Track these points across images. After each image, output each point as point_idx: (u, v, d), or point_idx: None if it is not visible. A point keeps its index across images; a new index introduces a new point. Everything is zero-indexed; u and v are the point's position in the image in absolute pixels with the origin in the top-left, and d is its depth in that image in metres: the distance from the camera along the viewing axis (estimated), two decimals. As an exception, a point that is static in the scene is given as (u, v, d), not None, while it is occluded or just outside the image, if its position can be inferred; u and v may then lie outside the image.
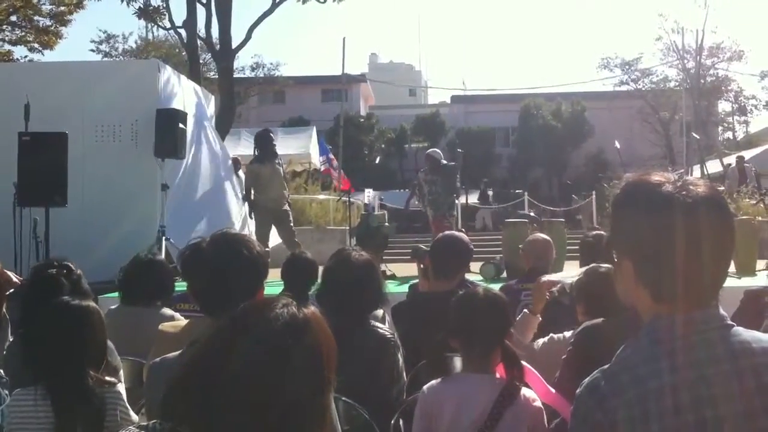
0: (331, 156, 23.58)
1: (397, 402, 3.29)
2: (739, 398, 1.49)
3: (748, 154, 21.88)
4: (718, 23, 64.29)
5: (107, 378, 2.90)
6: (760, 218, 12.13)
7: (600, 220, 19.56)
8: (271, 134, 11.03)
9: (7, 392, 3.01)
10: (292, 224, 10.95)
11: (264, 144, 10.77)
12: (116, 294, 4.71)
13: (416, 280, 5.73)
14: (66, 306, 2.96)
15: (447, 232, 4.93)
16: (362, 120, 42.87)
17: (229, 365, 1.46)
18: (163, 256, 8.56)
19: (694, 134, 19.07)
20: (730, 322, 1.59)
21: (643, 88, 42.94)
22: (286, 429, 1.45)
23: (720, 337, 1.55)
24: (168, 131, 10.16)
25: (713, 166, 20.86)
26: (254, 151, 10.93)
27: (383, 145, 42.72)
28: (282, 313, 1.52)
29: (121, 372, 3.25)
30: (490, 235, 18.51)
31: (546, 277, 3.88)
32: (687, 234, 1.54)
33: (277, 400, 1.44)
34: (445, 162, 11.98)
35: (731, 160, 23.89)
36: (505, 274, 9.85)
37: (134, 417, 2.91)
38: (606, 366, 1.60)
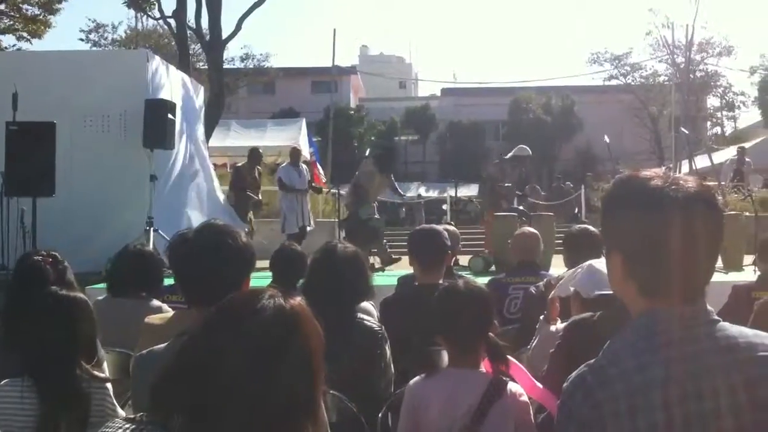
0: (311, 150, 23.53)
1: (385, 395, 3.29)
2: (725, 393, 1.49)
3: (734, 151, 21.87)
4: (708, 18, 64.57)
5: (97, 373, 2.87)
6: (747, 213, 12.17)
7: (587, 215, 19.60)
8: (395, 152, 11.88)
9: None
10: None
11: (388, 158, 11.60)
12: (103, 285, 4.69)
13: (404, 273, 5.73)
14: (55, 297, 2.93)
15: (424, 225, 4.93)
16: (352, 112, 42.85)
17: (216, 357, 1.46)
18: (151, 247, 8.55)
19: (683, 129, 19.11)
20: (716, 317, 1.59)
21: (633, 83, 43.09)
22: (274, 419, 1.45)
23: (707, 332, 1.56)
24: (157, 122, 10.12)
25: (701, 162, 20.93)
26: (378, 157, 11.58)
27: (373, 138, 42.71)
28: (268, 305, 1.51)
29: (105, 364, 3.23)
30: (480, 228, 18.51)
31: (555, 292, 3.75)
32: (676, 229, 1.54)
33: (264, 390, 1.44)
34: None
35: (720, 155, 23.95)
36: (493, 267, 9.87)
37: (121, 412, 2.89)
38: (593, 360, 1.60)
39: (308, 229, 12.76)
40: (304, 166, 13.32)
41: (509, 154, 13.47)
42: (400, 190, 12.48)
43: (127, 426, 1.52)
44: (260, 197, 13.28)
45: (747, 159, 19.03)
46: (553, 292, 3.68)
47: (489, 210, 12.28)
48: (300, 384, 1.49)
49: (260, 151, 13.52)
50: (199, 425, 1.45)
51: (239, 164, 13.64)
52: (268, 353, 1.47)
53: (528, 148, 13.52)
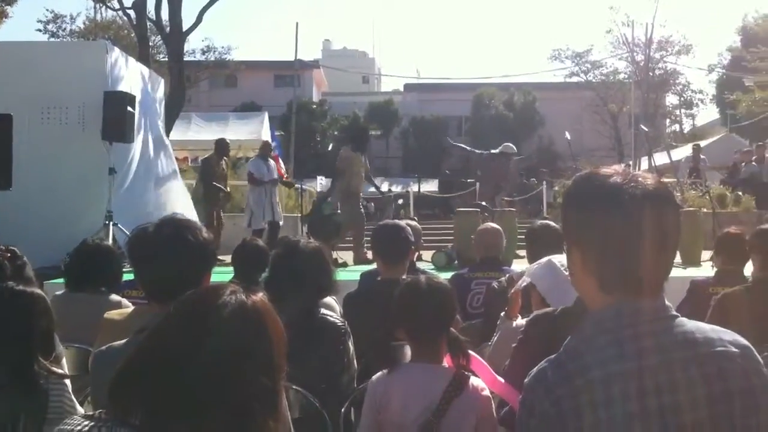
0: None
1: (348, 390, 3.29)
2: (683, 388, 1.52)
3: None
4: (667, 17, 65.44)
5: (55, 369, 2.83)
6: (705, 210, 12.37)
7: (549, 210, 19.75)
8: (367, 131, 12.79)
9: None
10: None
11: (364, 137, 12.17)
12: (62, 280, 4.62)
13: (368, 268, 5.73)
14: (11, 292, 2.88)
15: (387, 220, 4.94)
16: (315, 106, 42.67)
17: (177, 356, 1.44)
18: (110, 241, 8.44)
19: (643, 126, 19.33)
20: (674, 312, 1.61)
21: (593, 80, 43.47)
22: (237, 416, 1.44)
23: (664, 327, 1.57)
24: (116, 114, 9.97)
25: (661, 158, 21.24)
26: (353, 138, 11.99)
27: (336, 132, 42.60)
28: (230, 300, 1.51)
29: (64, 360, 3.19)
30: (443, 223, 18.57)
31: (517, 286, 3.75)
32: (634, 225, 1.56)
33: (225, 387, 1.43)
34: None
35: (679, 152, 24.29)
36: (456, 263, 9.91)
37: (80, 409, 2.85)
38: (554, 355, 1.61)
39: (280, 223, 12.68)
40: (272, 161, 13.21)
41: (497, 149, 13.90)
42: (372, 179, 12.44)
43: (86, 423, 1.50)
44: (228, 190, 13.10)
45: (702, 156, 19.33)
46: (513, 288, 3.71)
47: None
48: (262, 380, 1.48)
49: (227, 141, 13.32)
50: (160, 422, 1.43)
51: (206, 156, 13.39)
52: (229, 350, 1.46)
53: (513, 146, 14.21)
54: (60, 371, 2.86)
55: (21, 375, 2.70)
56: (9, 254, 3.61)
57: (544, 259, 3.35)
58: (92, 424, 1.49)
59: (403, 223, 4.66)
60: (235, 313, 1.49)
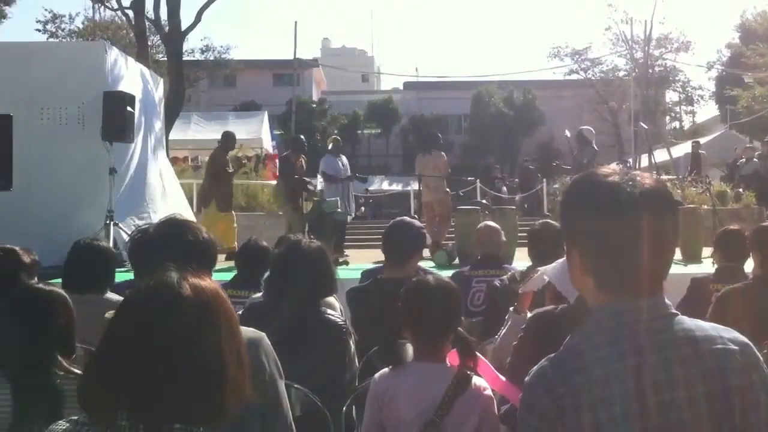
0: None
1: (350, 388, 3.29)
2: (682, 385, 1.52)
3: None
4: (665, 14, 65.47)
5: (74, 369, 2.81)
6: (705, 207, 12.38)
7: (551, 207, 19.75)
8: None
9: None
10: None
11: (434, 137, 12.86)
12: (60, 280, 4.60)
13: (369, 266, 5.73)
14: (33, 291, 2.87)
15: (400, 218, 4.85)
16: (314, 105, 42.65)
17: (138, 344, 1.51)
18: (111, 241, 8.44)
19: (642, 123, 19.34)
20: (673, 310, 1.61)
21: (593, 78, 43.44)
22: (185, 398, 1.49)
23: (664, 325, 1.58)
24: (115, 114, 9.97)
25: (661, 155, 21.24)
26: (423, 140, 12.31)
27: (336, 131, 42.57)
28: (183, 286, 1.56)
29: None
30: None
31: (528, 285, 3.70)
32: (631, 224, 1.56)
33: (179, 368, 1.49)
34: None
35: (679, 149, 24.27)
36: (457, 261, 9.93)
37: None
38: (554, 354, 1.62)
39: (348, 218, 12.67)
40: (343, 157, 13.24)
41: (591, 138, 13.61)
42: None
43: (67, 426, 1.53)
44: (312, 185, 13.14)
45: (701, 152, 19.33)
46: (526, 285, 3.64)
47: None
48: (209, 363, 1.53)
49: (303, 138, 13.33)
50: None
51: (284, 154, 13.32)
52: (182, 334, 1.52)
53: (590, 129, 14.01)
54: (78, 371, 2.84)
55: (37, 374, 2.70)
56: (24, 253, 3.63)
57: (562, 259, 3.33)
58: (69, 426, 1.52)
59: (417, 222, 4.62)
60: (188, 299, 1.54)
